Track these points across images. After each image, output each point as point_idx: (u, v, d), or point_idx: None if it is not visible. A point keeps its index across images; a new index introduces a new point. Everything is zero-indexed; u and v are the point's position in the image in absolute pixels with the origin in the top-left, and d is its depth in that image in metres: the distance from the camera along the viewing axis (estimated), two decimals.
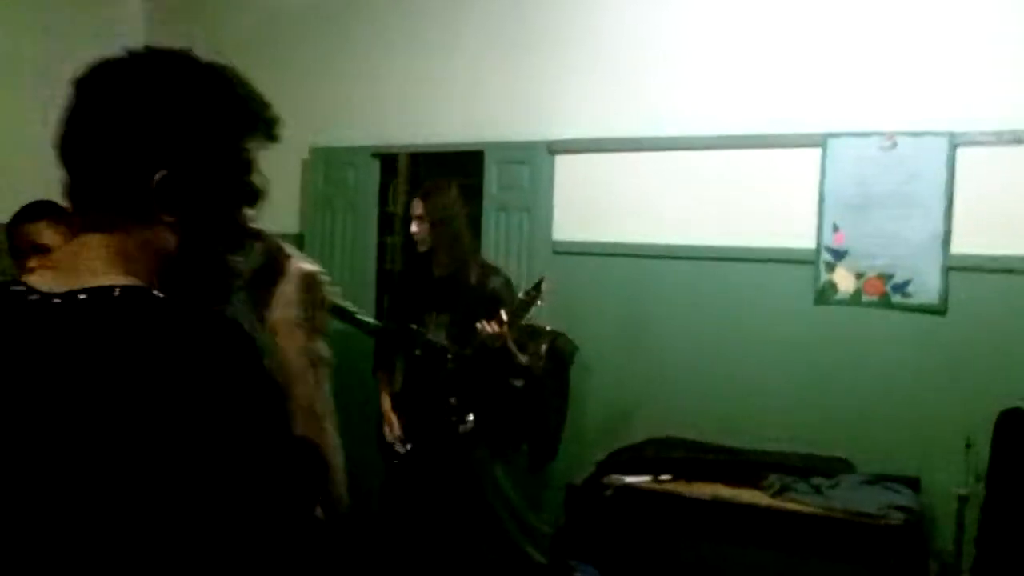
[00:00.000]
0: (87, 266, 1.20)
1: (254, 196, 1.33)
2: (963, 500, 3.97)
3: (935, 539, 4.03)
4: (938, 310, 4.10)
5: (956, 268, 4.07)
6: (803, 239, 4.32)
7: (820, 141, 4.28)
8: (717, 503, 3.96)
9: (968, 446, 3.95)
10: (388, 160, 5.55)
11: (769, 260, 4.38)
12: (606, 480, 4.19)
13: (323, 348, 1.61)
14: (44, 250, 3.72)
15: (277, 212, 5.37)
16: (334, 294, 1.75)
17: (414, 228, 4.11)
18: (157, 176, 1.20)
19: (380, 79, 5.34)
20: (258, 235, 1.49)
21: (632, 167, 4.64)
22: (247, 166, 1.31)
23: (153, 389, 1.10)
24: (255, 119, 1.31)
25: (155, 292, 1.20)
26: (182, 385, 1.11)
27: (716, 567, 3.92)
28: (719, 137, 4.46)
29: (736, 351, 4.46)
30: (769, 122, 4.38)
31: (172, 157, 1.21)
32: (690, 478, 4.12)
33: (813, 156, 4.30)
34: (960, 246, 4.07)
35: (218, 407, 1.13)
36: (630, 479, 4.14)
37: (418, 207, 4.10)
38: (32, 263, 2.93)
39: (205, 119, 1.24)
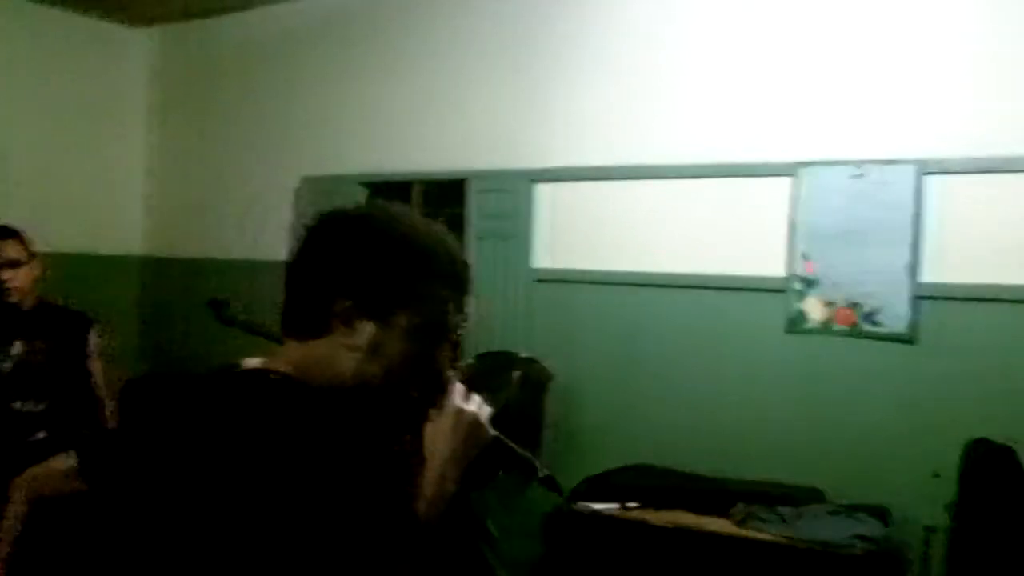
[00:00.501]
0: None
1: (440, 335, 1.50)
2: (930, 531, 3.94)
3: (904, 571, 3.99)
4: (907, 339, 4.08)
5: (925, 297, 4.06)
6: (775, 268, 4.33)
7: (792, 170, 4.29)
8: (681, 531, 3.95)
9: (936, 476, 3.93)
10: (380, 188, 5.63)
11: (742, 288, 4.40)
12: (576, 507, 4.20)
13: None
14: (15, 264, 4.03)
15: (270, 240, 5.53)
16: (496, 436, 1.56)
17: None
18: (338, 307, 1.44)
19: (369, 109, 5.46)
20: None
21: (611, 196, 4.69)
22: (429, 309, 1.48)
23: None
24: (433, 269, 1.49)
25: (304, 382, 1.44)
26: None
27: None
28: (694, 166, 4.49)
29: (710, 379, 4.47)
30: (742, 151, 4.40)
31: (353, 291, 1.44)
32: (658, 506, 4.12)
33: (784, 185, 4.31)
34: (930, 274, 4.06)
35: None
36: (598, 506, 4.15)
37: None
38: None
39: (382, 265, 1.46)
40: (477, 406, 1.51)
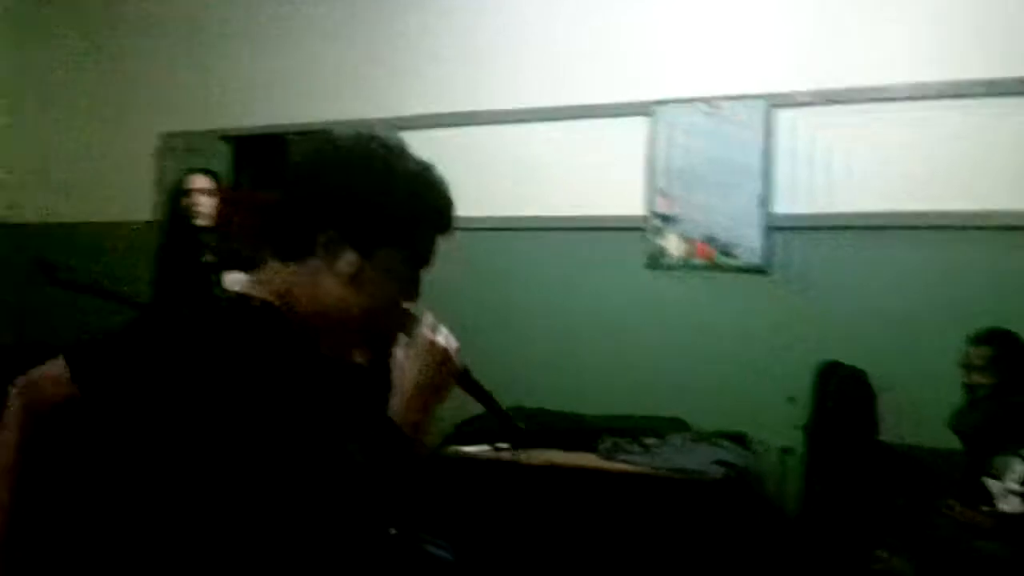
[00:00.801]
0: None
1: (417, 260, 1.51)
2: (786, 452, 4.09)
3: (760, 492, 4.14)
4: (762, 270, 4.20)
5: (778, 228, 4.17)
6: (634, 207, 4.39)
7: (646, 109, 4.35)
8: (550, 468, 4.02)
9: (791, 400, 4.07)
10: (247, 144, 5.52)
11: (603, 228, 4.46)
12: (448, 452, 4.24)
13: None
14: None
15: (130, 200, 5.41)
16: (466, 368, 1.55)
17: None
18: (323, 235, 1.45)
19: (227, 65, 5.35)
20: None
21: (467, 143, 4.68)
22: (413, 247, 1.50)
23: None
24: (420, 208, 1.49)
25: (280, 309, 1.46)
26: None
27: (550, 531, 3.97)
28: (549, 109, 4.53)
29: (574, 319, 4.54)
30: (597, 93, 4.45)
31: (339, 222, 1.45)
32: (527, 446, 4.17)
33: (640, 124, 4.37)
34: (782, 206, 4.17)
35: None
36: (469, 449, 4.19)
37: None
38: None
39: (370, 200, 1.46)
40: (445, 339, 1.49)
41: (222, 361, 1.36)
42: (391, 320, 1.51)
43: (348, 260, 1.45)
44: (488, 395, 1.56)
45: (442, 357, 1.47)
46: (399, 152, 1.51)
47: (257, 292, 1.49)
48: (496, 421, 1.62)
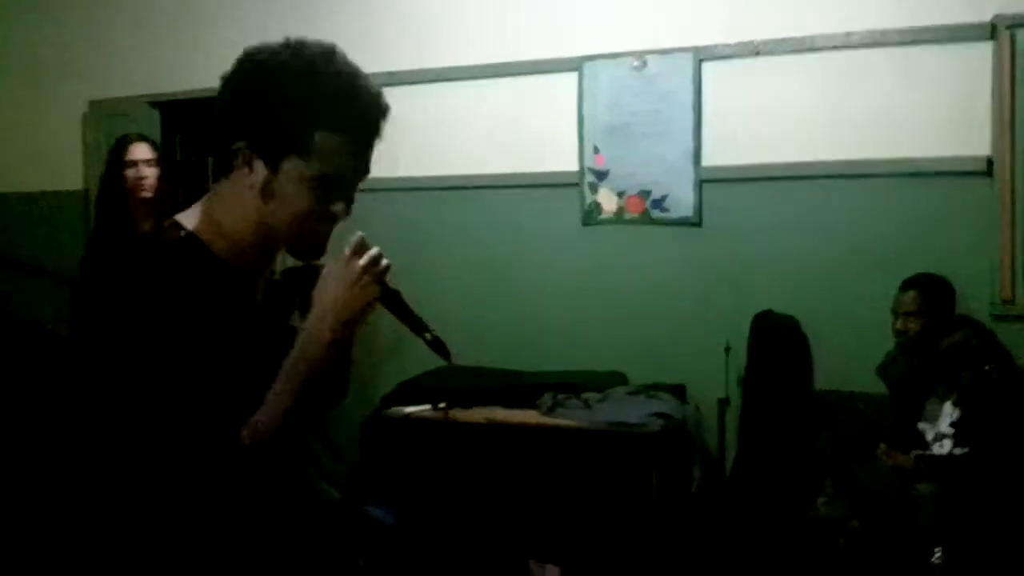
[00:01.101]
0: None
1: (334, 186, 1.48)
2: (723, 403, 4.17)
3: (698, 442, 4.20)
4: (694, 222, 4.24)
5: (708, 180, 4.21)
6: (568, 163, 4.40)
7: (576, 65, 4.35)
8: (491, 426, 4.06)
9: (727, 350, 4.14)
10: (173, 109, 5.43)
11: (537, 185, 4.47)
12: (388, 413, 4.26)
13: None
14: None
15: (59, 169, 5.31)
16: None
17: None
18: (235, 146, 1.46)
19: (152, 28, 5.24)
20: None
21: (398, 103, 4.63)
22: (319, 158, 1.45)
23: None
24: (328, 116, 1.44)
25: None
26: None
27: (492, 489, 4.02)
28: (480, 67, 4.51)
29: (511, 276, 4.56)
30: (527, 49, 4.43)
31: (247, 132, 1.45)
32: (468, 404, 4.21)
33: (571, 80, 4.37)
34: (711, 159, 4.20)
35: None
36: (410, 410, 4.22)
37: None
38: None
39: (273, 107, 1.44)
40: (368, 258, 1.45)
41: (135, 294, 1.40)
42: (311, 236, 1.50)
43: (258, 171, 1.45)
44: (418, 320, 1.52)
45: (356, 276, 1.44)
46: (322, 59, 1.47)
47: (188, 220, 1.51)
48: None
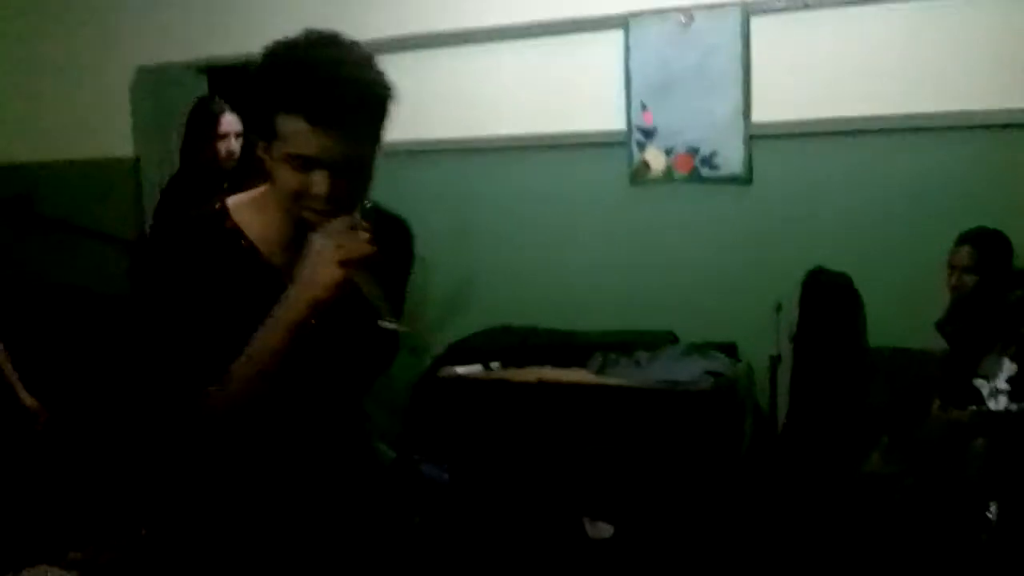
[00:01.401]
0: None
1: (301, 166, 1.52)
2: (775, 360, 4.14)
3: (749, 400, 4.20)
4: (744, 180, 4.20)
5: (758, 136, 4.16)
6: (614, 122, 4.38)
7: (621, 22, 4.31)
8: (542, 386, 4.07)
9: (778, 308, 4.11)
10: (222, 75, 5.44)
11: (583, 144, 4.45)
12: (440, 373, 4.29)
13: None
14: None
15: (109, 136, 5.36)
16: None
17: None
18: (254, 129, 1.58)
19: None
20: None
21: (442, 63, 4.64)
22: (283, 141, 1.51)
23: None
24: (279, 96, 1.50)
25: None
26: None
27: (544, 448, 4.04)
28: (522, 26, 4.47)
29: (560, 237, 4.55)
30: (569, 7, 4.40)
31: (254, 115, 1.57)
32: (520, 364, 4.22)
33: (616, 38, 4.33)
34: (760, 115, 4.16)
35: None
36: (461, 370, 4.24)
37: None
38: None
39: (250, 95, 1.55)
40: (336, 239, 1.48)
41: (158, 261, 1.63)
42: (308, 214, 1.55)
43: (261, 150, 1.57)
44: (380, 308, 1.52)
45: (317, 257, 1.48)
46: (292, 47, 1.54)
47: (232, 201, 1.67)
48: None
